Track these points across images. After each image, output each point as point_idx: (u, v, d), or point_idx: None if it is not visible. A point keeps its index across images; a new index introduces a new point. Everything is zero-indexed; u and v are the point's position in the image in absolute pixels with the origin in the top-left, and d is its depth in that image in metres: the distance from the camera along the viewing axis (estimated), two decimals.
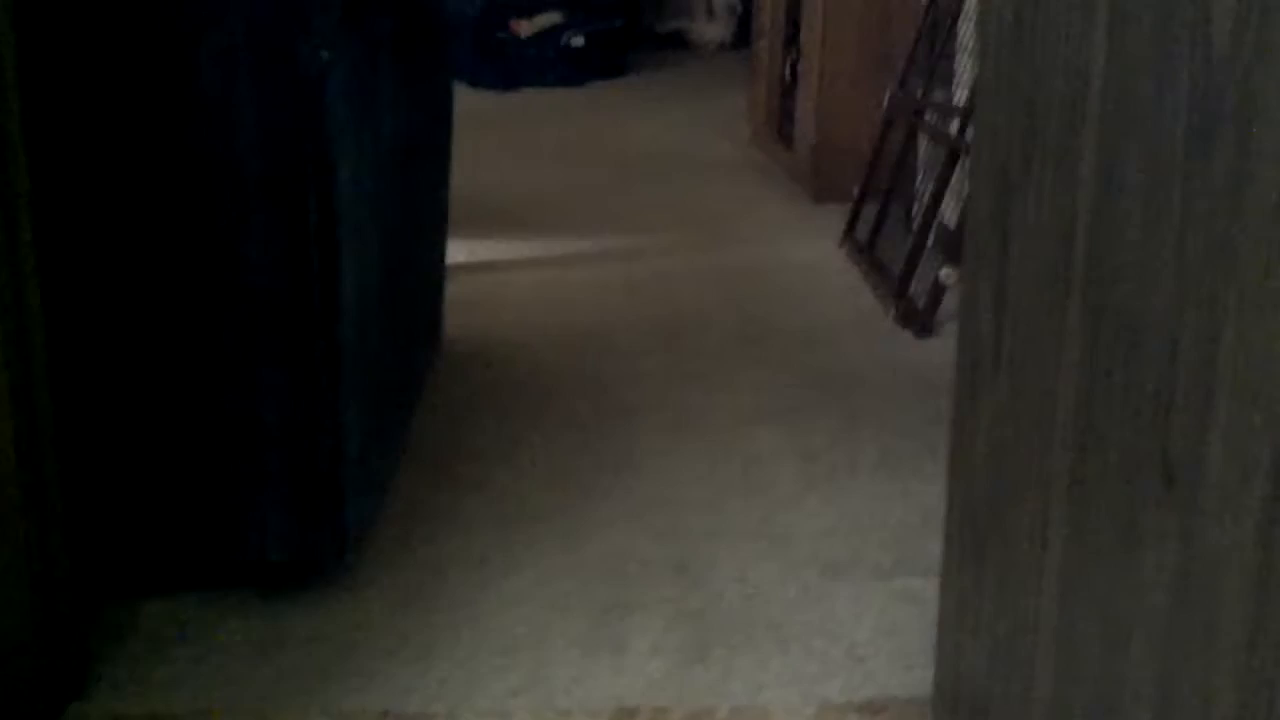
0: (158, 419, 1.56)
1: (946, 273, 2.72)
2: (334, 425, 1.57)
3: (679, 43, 6.94)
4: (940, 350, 2.60)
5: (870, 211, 3.36)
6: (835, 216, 3.55)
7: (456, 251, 3.24)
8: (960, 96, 2.97)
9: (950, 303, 2.59)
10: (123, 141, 1.48)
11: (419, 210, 2.17)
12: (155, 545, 1.63)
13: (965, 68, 2.94)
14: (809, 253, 3.41)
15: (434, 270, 2.41)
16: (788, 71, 4.14)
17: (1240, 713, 0.96)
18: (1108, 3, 1.10)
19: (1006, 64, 1.29)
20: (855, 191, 3.43)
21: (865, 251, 3.27)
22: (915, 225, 3.04)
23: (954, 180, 2.84)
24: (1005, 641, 1.35)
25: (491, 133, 4.77)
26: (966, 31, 2.96)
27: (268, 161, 1.47)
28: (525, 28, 5.90)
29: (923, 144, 3.25)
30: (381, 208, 1.77)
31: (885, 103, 3.38)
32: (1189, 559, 1.02)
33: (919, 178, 3.27)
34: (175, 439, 1.57)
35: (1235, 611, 0.96)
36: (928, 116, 3.18)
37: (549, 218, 3.75)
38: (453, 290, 2.79)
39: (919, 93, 3.23)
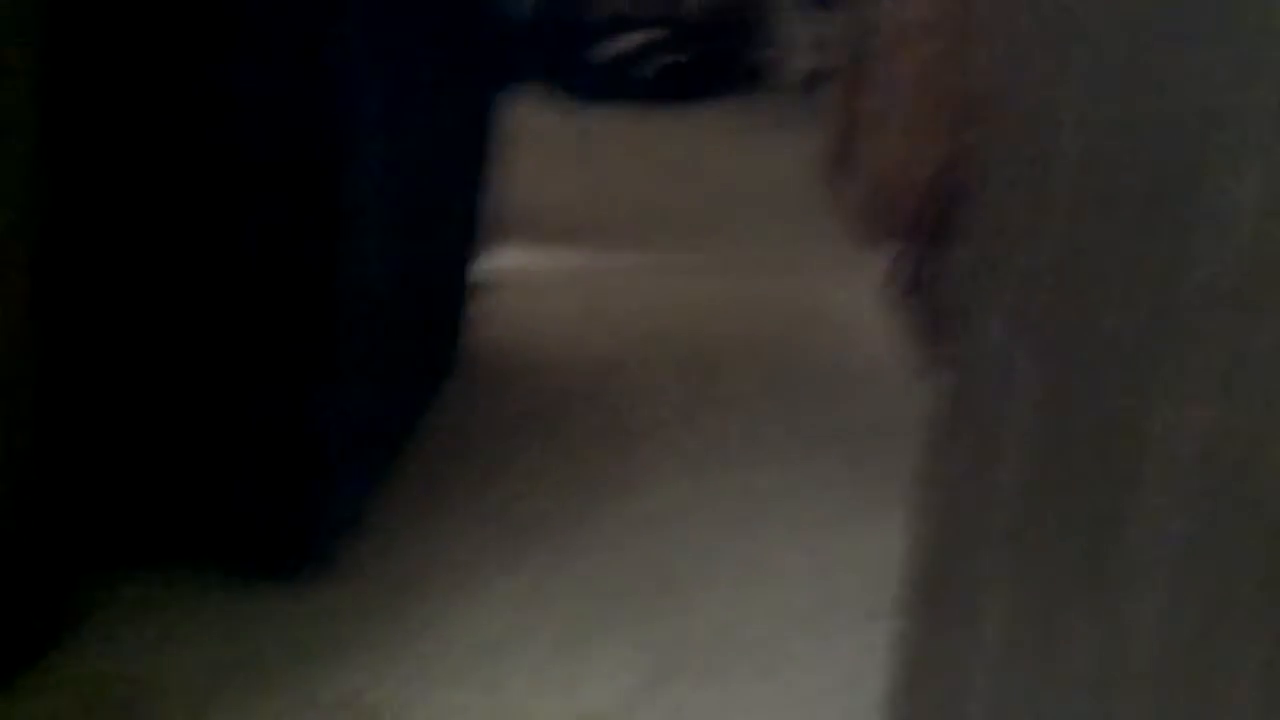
0: (146, 394, 1.60)
1: None
2: (322, 417, 1.61)
3: (759, 73, 6.96)
4: None
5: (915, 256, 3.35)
6: (883, 259, 3.54)
7: (500, 260, 3.29)
8: None
9: None
10: (142, 124, 1.52)
11: (447, 217, 2.21)
12: (143, 517, 1.67)
13: None
14: (852, 293, 3.40)
15: (458, 280, 2.44)
16: (856, 110, 4.15)
17: None
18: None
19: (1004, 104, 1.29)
20: (901, 236, 3.42)
21: (905, 297, 3.26)
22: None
23: None
24: (944, 702, 1.36)
25: (562, 147, 4.82)
26: None
27: (281, 152, 1.51)
28: (608, 48, 5.95)
29: None
30: (399, 208, 1.81)
31: (946, 146, 3.37)
32: (1109, 630, 1.02)
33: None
34: (163, 415, 1.61)
35: (1146, 686, 0.97)
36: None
37: (601, 235, 3.78)
38: (488, 300, 2.82)
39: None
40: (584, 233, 3.77)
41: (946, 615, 1.36)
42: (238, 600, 1.70)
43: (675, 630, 1.76)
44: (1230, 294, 0.84)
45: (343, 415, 1.66)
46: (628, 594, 1.83)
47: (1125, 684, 0.99)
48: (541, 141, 4.52)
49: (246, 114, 1.51)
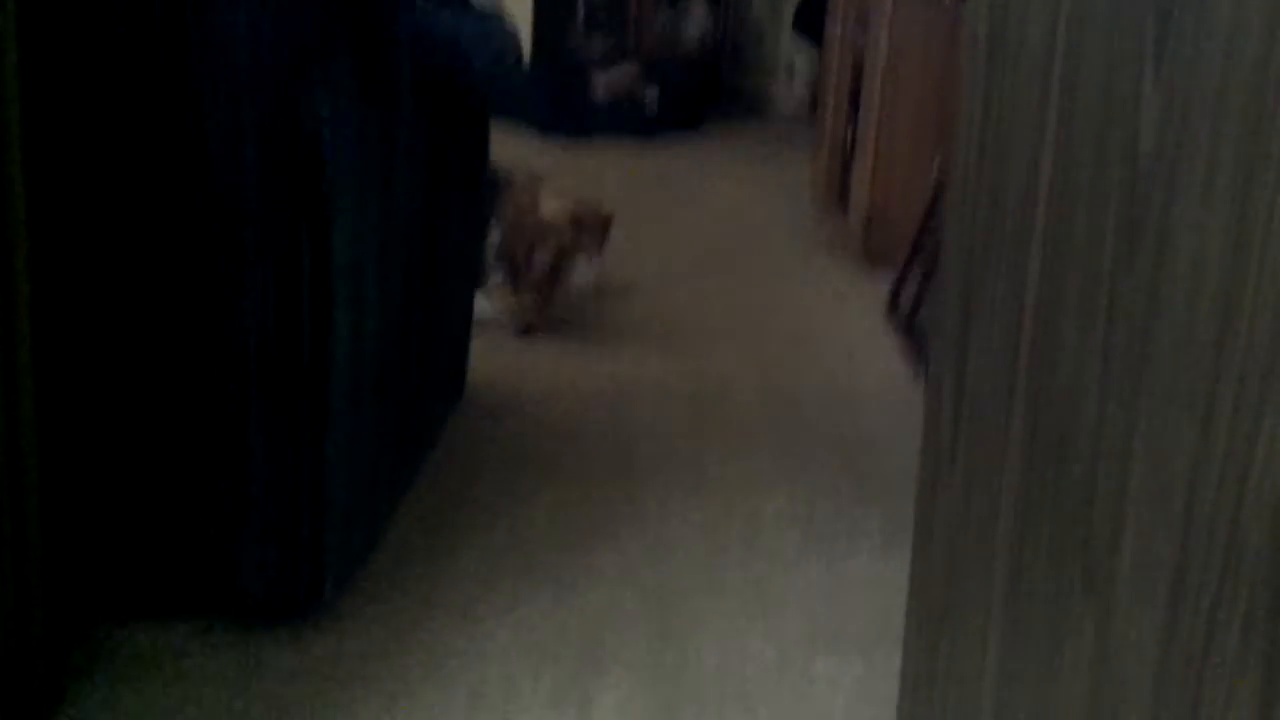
0: (144, 449, 1.61)
1: None
2: (318, 467, 1.61)
3: (757, 103, 6.99)
4: None
5: (915, 282, 3.36)
6: (884, 285, 3.56)
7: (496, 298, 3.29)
8: None
9: None
10: (124, 188, 1.53)
11: (442, 263, 2.22)
12: (139, 572, 1.68)
13: None
14: (851, 320, 3.42)
15: (458, 322, 2.46)
16: (848, 139, 4.17)
17: None
18: (1057, 98, 1.12)
19: (975, 156, 1.31)
20: (901, 262, 3.44)
21: (906, 323, 3.27)
22: None
23: None
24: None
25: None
26: None
27: (265, 213, 1.53)
28: (602, 81, 5.98)
29: None
30: (391, 261, 1.82)
31: (934, 173, 3.39)
32: (1103, 657, 1.03)
33: None
34: (161, 469, 1.62)
35: (1139, 713, 0.97)
36: None
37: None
38: (489, 341, 2.83)
39: None
40: None
41: (950, 638, 1.37)
42: (239, 652, 1.70)
43: (682, 663, 1.76)
44: (1205, 321, 0.85)
45: (344, 462, 1.67)
46: (632, 629, 1.84)
47: (1123, 705, 0.99)
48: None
49: (229, 175, 1.52)
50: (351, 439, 1.69)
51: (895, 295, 3.43)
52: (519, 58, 2.27)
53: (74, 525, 1.60)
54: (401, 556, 1.98)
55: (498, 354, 2.90)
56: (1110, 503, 1.01)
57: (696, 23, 6.88)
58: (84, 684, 1.61)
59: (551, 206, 3.18)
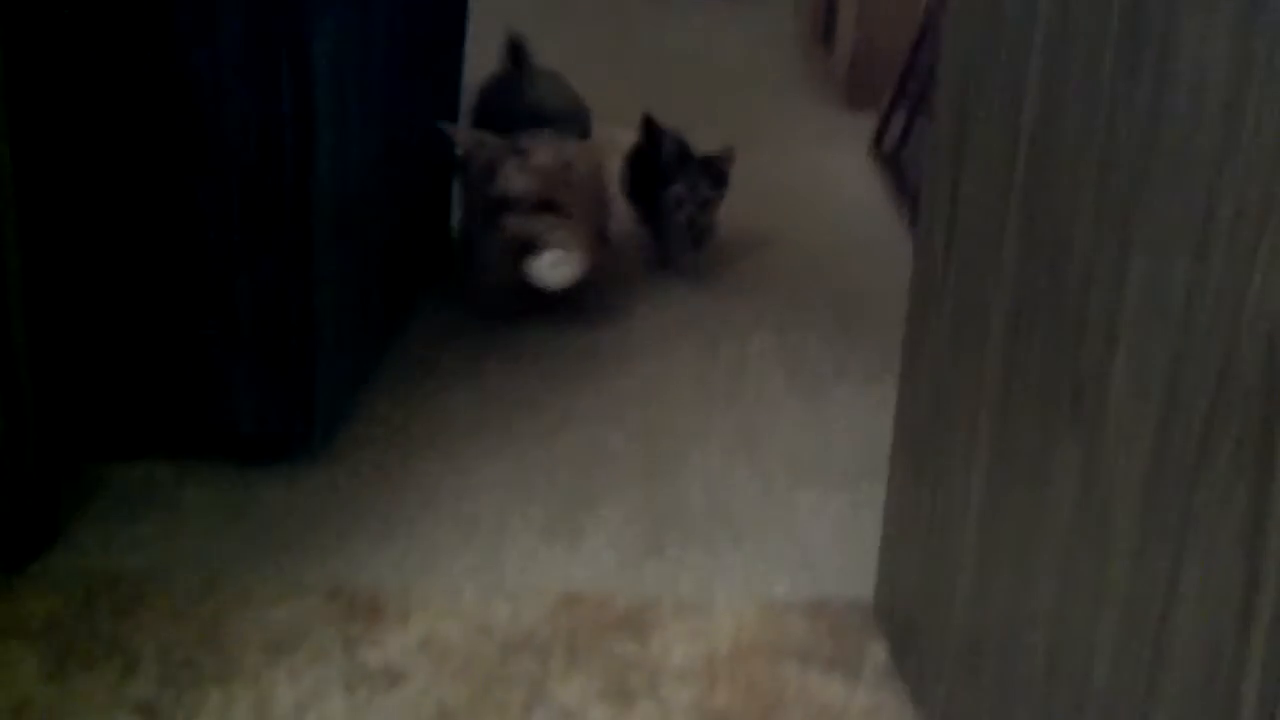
0: (132, 288, 1.60)
1: None
2: (305, 306, 1.61)
3: None
4: None
5: (900, 121, 3.33)
6: (869, 125, 3.52)
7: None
8: None
9: None
10: (99, 17, 1.50)
11: (425, 104, 2.18)
12: (132, 410, 1.68)
13: None
14: (836, 162, 3.38)
15: (440, 177, 2.42)
16: None
17: (1123, 643, 0.98)
18: None
19: None
20: (885, 101, 3.40)
21: (890, 162, 3.25)
22: None
23: None
24: (934, 552, 1.38)
25: (529, 27, 4.74)
26: None
27: (245, 40, 1.49)
28: None
29: None
30: (372, 95, 1.79)
31: (923, 9, 3.33)
32: (1090, 480, 1.04)
33: None
34: (150, 308, 1.61)
35: (1125, 534, 0.98)
36: None
37: None
38: None
39: None
40: None
41: (935, 467, 1.38)
42: (231, 489, 1.72)
43: (669, 498, 1.78)
44: (1203, 151, 0.84)
45: (330, 293, 1.67)
46: (619, 465, 1.85)
47: (1107, 540, 1.00)
48: (514, 25, 4.45)
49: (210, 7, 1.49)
50: (338, 270, 1.68)
51: (880, 133, 3.39)
52: None
53: (64, 363, 1.59)
54: (391, 398, 1.98)
55: None
56: (1102, 326, 1.01)
57: None
58: (77, 520, 1.62)
59: (519, 178, 2.17)
